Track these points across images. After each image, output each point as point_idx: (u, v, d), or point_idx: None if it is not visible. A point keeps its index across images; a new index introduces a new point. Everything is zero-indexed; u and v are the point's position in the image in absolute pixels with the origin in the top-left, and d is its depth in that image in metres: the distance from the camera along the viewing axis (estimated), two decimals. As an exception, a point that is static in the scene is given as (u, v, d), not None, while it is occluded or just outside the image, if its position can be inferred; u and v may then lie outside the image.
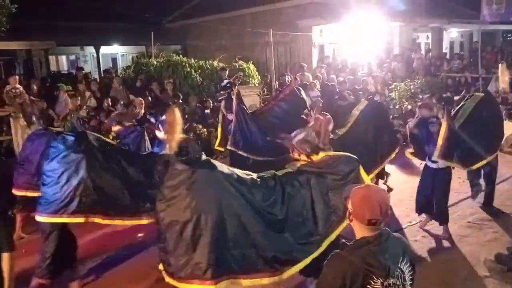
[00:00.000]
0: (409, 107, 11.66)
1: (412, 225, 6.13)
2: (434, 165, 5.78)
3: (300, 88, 8.55)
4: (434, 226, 6.09)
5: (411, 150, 6.14)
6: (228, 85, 8.81)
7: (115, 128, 5.81)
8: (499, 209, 6.75)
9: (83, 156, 4.38)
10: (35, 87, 10.17)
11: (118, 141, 6.30)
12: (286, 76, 13.07)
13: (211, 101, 10.84)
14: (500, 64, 7.43)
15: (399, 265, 2.22)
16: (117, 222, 4.63)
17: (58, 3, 18.03)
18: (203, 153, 3.64)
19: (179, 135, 3.49)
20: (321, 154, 3.94)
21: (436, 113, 5.90)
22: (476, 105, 6.27)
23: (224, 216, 3.39)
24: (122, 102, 9.16)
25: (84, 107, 9.65)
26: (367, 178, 4.00)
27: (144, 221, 4.56)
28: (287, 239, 3.61)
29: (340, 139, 5.65)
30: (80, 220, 4.42)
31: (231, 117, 7.34)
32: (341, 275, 2.14)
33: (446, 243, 5.67)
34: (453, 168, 5.94)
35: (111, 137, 6.49)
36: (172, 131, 3.47)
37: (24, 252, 5.94)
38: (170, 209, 3.39)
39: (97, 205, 4.40)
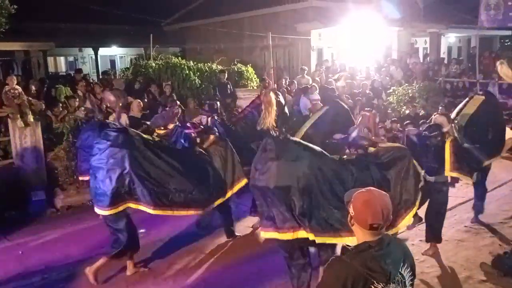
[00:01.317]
0: (407, 111, 11.67)
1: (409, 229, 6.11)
2: (431, 179, 5.43)
3: (279, 93, 8.53)
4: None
5: None
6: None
7: (161, 131, 6.03)
8: (496, 213, 6.77)
9: (126, 151, 4.80)
10: (33, 88, 10.16)
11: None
12: (283, 80, 13.10)
13: (217, 101, 10.81)
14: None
15: (400, 270, 2.22)
16: (168, 212, 5.00)
17: (57, 4, 18.01)
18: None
19: (274, 114, 4.19)
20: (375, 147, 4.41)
21: (447, 128, 5.58)
22: (476, 109, 6.10)
23: (311, 183, 3.95)
24: (121, 104, 9.14)
25: (82, 108, 9.63)
26: (418, 168, 4.43)
27: (191, 212, 5.13)
28: None
29: None
30: (134, 206, 4.87)
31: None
32: (342, 279, 2.14)
33: (443, 248, 5.68)
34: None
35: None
36: (268, 110, 4.23)
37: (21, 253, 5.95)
38: (264, 177, 3.97)
39: (147, 195, 4.80)
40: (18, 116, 7.96)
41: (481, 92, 7.34)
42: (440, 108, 10.85)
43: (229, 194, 5.40)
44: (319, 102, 11.23)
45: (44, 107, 9.03)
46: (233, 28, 16.97)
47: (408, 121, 9.63)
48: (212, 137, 5.58)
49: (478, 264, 5.20)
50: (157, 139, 5.67)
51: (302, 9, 15.84)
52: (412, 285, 2.31)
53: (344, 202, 2.38)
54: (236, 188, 5.40)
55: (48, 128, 8.62)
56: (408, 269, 2.27)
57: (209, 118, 7.38)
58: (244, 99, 11.08)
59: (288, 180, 3.92)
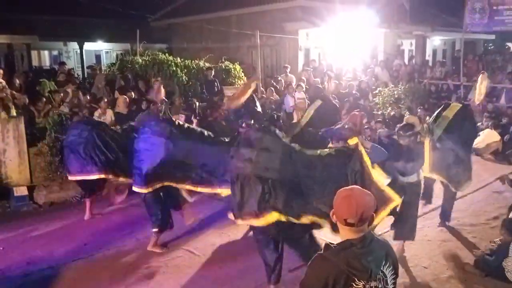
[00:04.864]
0: (392, 112, 11.78)
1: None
2: (404, 179, 5.31)
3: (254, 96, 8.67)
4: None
5: None
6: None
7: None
8: (479, 214, 6.87)
9: (168, 139, 5.29)
10: (18, 81, 9.99)
11: None
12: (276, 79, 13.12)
13: (195, 101, 10.77)
14: (481, 74, 7.47)
15: (382, 268, 2.25)
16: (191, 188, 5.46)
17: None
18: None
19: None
20: (356, 140, 4.45)
21: (419, 128, 5.59)
22: (455, 115, 6.04)
23: (285, 173, 4.18)
24: (105, 100, 9.06)
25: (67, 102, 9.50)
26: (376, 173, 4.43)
27: (217, 190, 5.39)
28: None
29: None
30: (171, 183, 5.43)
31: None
32: (324, 276, 2.16)
33: (426, 247, 5.75)
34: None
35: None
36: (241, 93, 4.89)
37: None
38: (244, 165, 4.19)
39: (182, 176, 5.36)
40: (1, 110, 7.83)
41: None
42: (419, 110, 11.01)
43: None
44: (306, 100, 11.36)
45: (27, 101, 8.89)
46: (221, 26, 16.91)
47: (378, 119, 9.80)
48: None
49: (461, 264, 5.28)
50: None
51: (290, 8, 15.85)
52: (394, 283, 2.34)
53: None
54: None
55: (31, 123, 8.48)
56: (390, 268, 2.29)
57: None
58: (231, 97, 11.05)
59: (264, 170, 4.14)
